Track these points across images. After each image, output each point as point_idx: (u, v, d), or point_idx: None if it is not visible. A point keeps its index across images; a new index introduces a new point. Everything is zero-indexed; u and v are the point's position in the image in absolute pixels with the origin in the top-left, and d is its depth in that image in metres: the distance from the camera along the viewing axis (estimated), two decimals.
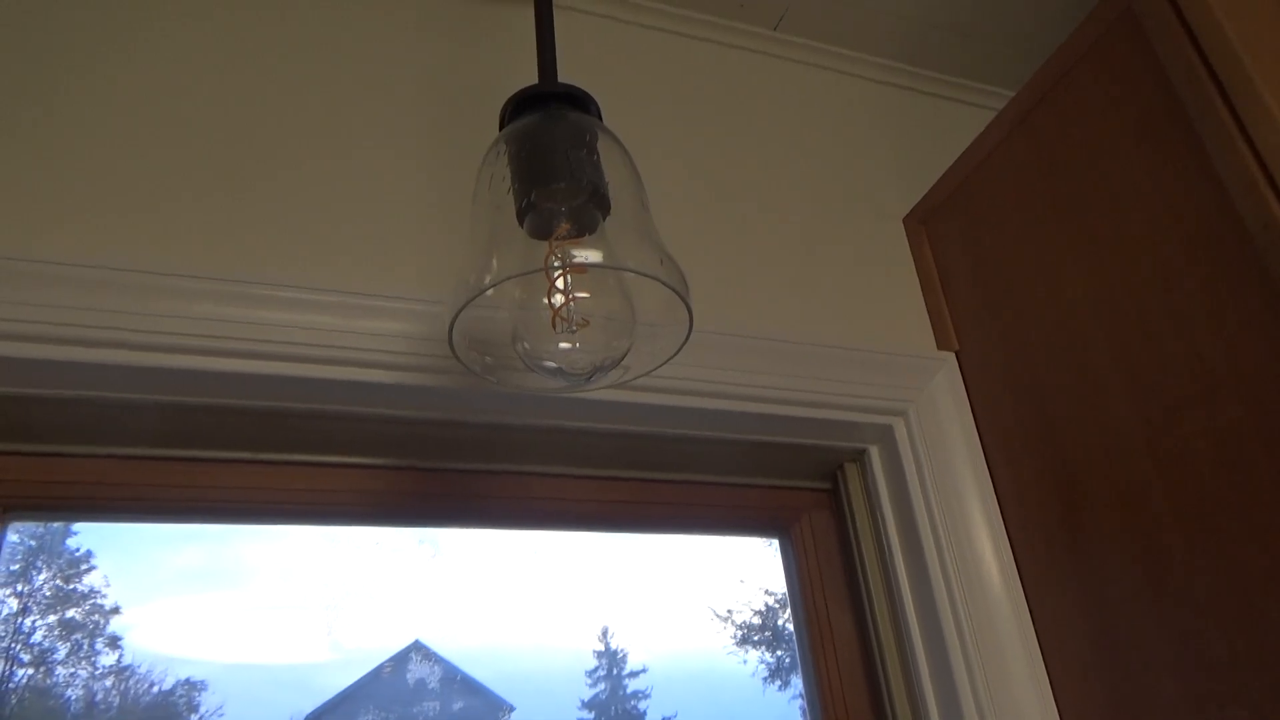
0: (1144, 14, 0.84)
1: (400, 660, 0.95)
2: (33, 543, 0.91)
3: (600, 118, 0.72)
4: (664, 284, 0.62)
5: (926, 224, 1.13)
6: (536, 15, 0.78)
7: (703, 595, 1.08)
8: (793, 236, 1.08)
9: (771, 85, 1.22)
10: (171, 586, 0.89)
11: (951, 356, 1.04)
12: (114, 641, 0.88)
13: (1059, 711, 0.88)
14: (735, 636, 1.08)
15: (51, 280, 0.73)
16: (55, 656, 0.88)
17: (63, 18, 0.88)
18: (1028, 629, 0.91)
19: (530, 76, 0.74)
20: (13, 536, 0.85)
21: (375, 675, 0.94)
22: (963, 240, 1.07)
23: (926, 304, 1.10)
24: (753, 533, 1.10)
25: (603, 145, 0.68)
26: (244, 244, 0.83)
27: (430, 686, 0.94)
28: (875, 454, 1.02)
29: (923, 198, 1.14)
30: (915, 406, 0.99)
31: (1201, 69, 0.78)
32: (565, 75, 0.75)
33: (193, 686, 0.87)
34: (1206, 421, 0.76)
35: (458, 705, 0.96)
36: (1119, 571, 0.83)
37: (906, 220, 1.16)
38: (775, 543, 1.09)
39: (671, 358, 0.69)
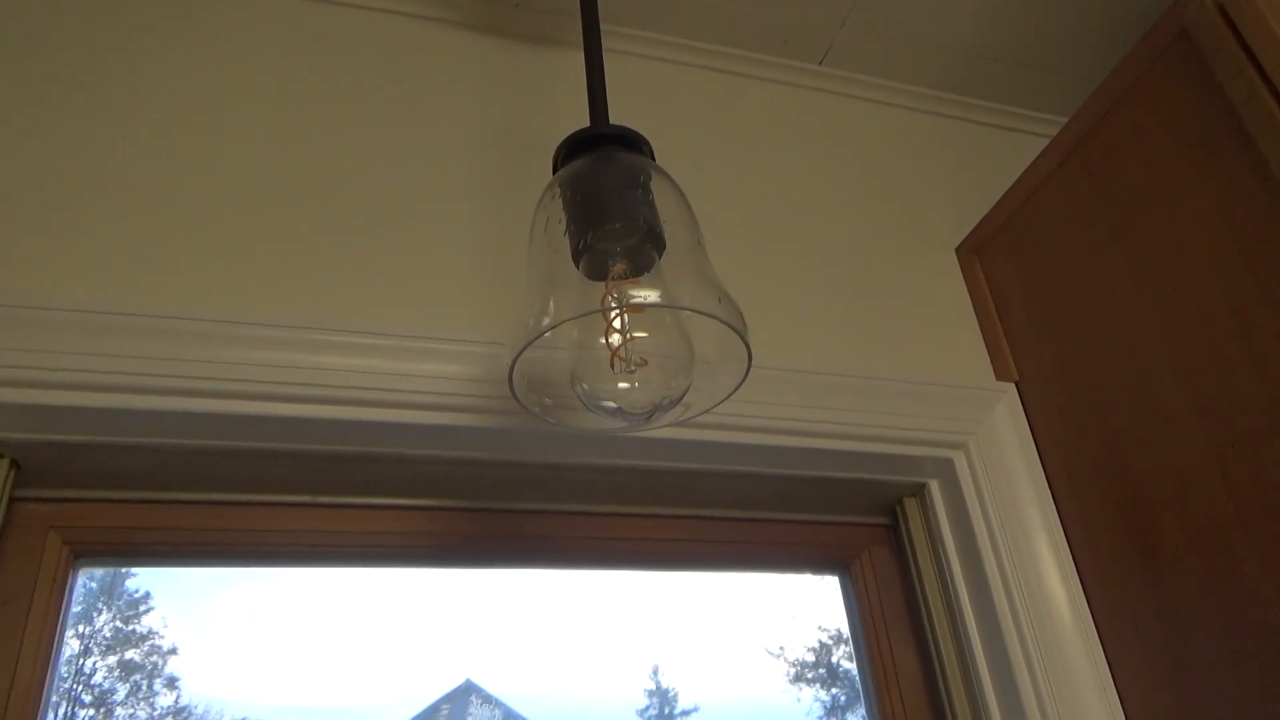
0: (1199, 34, 0.83)
1: (455, 701, 0.95)
2: (93, 585, 0.92)
3: (653, 157, 0.72)
4: (722, 321, 0.61)
5: (980, 254, 1.12)
6: (586, 59, 0.79)
7: (754, 632, 1.06)
8: (847, 270, 1.08)
9: (819, 120, 1.22)
10: (227, 628, 0.90)
11: (1011, 387, 1.03)
12: (172, 682, 0.88)
13: None
14: (789, 674, 1.05)
15: (112, 330, 0.75)
16: (115, 698, 0.88)
17: (132, 76, 0.91)
18: (1101, 665, 0.88)
19: (582, 119, 0.74)
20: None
21: (431, 716, 0.93)
22: (1018, 269, 1.05)
23: (983, 334, 1.08)
24: (812, 570, 1.08)
25: (656, 184, 0.68)
26: (301, 291, 0.85)
27: None
28: (935, 488, 1.00)
29: (975, 227, 1.13)
30: (975, 439, 0.97)
31: (1262, 87, 0.77)
32: (616, 117, 0.76)
33: None
34: None
35: None
36: (1196, 606, 0.80)
37: (960, 250, 1.15)
38: (828, 578, 1.08)
39: (731, 395, 0.69)
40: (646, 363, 0.68)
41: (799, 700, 1.04)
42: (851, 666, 1.03)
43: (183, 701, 0.87)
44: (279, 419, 0.78)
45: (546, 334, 0.61)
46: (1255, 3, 0.77)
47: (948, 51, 1.24)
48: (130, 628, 0.90)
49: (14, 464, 0.78)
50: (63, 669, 0.83)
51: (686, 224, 0.68)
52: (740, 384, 0.67)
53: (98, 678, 0.88)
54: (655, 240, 0.65)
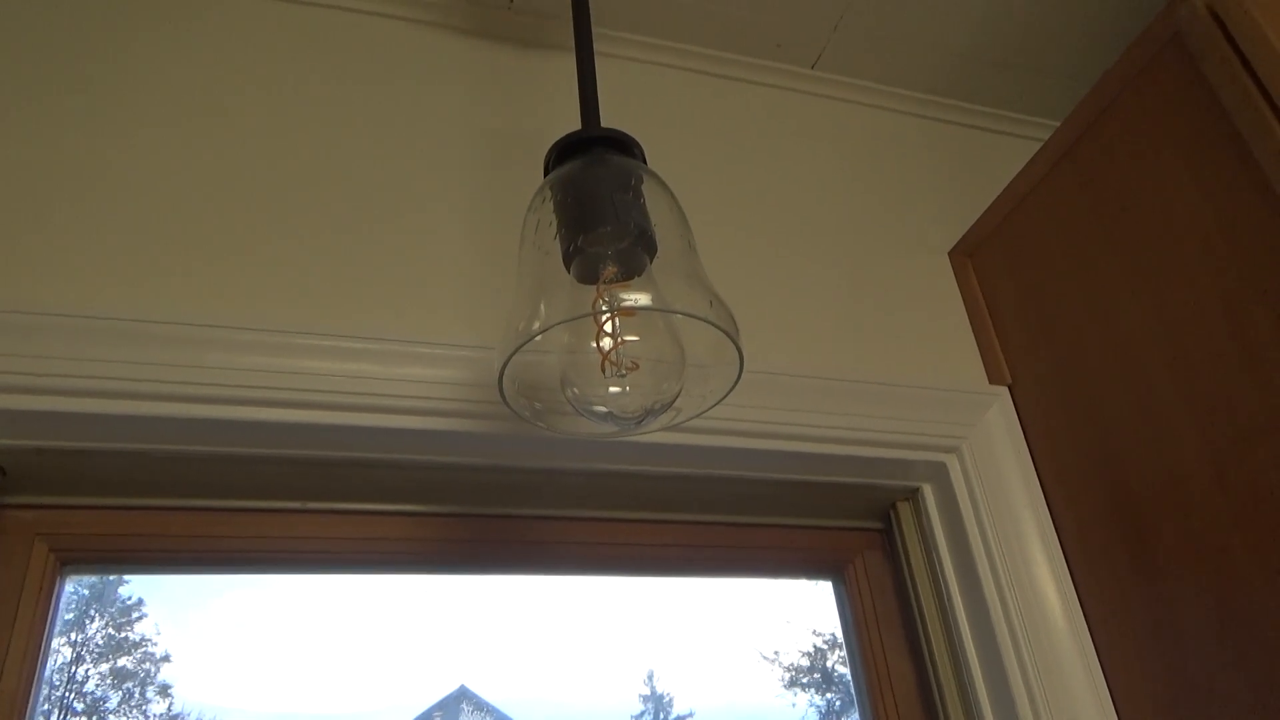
0: (1191, 38, 0.83)
1: (448, 708, 0.94)
2: (86, 592, 0.91)
3: (644, 160, 0.72)
4: (713, 325, 0.61)
5: (973, 257, 1.12)
6: (578, 62, 0.78)
7: (748, 637, 1.05)
8: (840, 274, 1.07)
9: (811, 123, 1.22)
10: (220, 635, 0.89)
11: (1004, 391, 1.02)
12: (164, 690, 0.88)
13: None
14: (783, 679, 1.05)
15: (99, 335, 0.74)
16: (107, 705, 0.88)
17: (120, 81, 0.91)
18: (1095, 670, 0.88)
19: (573, 123, 0.74)
20: (68, 587, 0.86)
21: None
22: (1011, 272, 1.05)
23: (976, 338, 1.08)
24: (805, 575, 1.08)
25: (647, 188, 0.68)
26: (290, 295, 0.84)
27: None
28: (929, 492, 1.00)
29: (968, 231, 1.12)
30: (968, 442, 0.97)
31: (1255, 90, 0.77)
32: (608, 120, 0.75)
33: None
34: (1278, 452, 0.73)
35: None
36: (1190, 608, 0.80)
37: (953, 254, 1.14)
38: (822, 583, 1.07)
39: (722, 399, 0.68)
40: (637, 367, 0.68)
41: (794, 705, 1.04)
42: (846, 671, 1.03)
43: (175, 709, 0.86)
44: (268, 424, 0.77)
45: (537, 338, 0.61)
46: (1247, 6, 0.77)
47: (941, 55, 1.24)
48: (123, 635, 0.90)
49: (0, 470, 0.78)
50: (55, 677, 0.82)
51: (678, 227, 0.68)
52: (732, 388, 0.67)
53: (90, 685, 0.87)
54: (646, 243, 0.65)
